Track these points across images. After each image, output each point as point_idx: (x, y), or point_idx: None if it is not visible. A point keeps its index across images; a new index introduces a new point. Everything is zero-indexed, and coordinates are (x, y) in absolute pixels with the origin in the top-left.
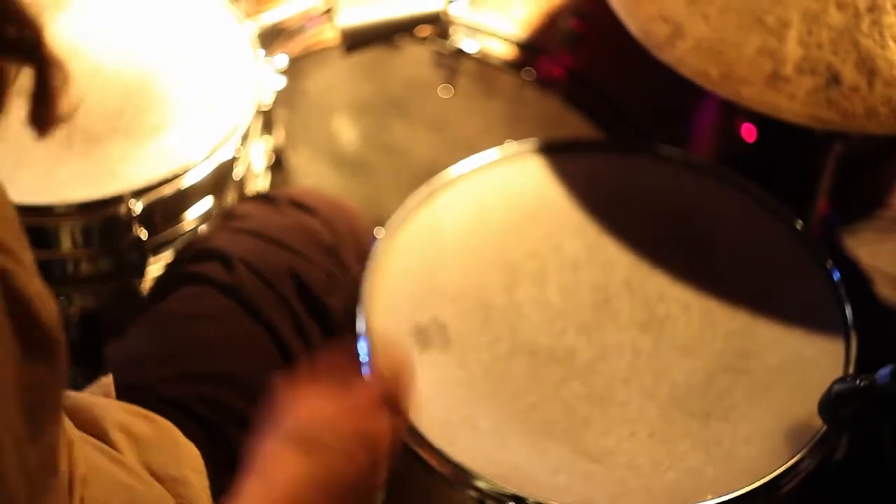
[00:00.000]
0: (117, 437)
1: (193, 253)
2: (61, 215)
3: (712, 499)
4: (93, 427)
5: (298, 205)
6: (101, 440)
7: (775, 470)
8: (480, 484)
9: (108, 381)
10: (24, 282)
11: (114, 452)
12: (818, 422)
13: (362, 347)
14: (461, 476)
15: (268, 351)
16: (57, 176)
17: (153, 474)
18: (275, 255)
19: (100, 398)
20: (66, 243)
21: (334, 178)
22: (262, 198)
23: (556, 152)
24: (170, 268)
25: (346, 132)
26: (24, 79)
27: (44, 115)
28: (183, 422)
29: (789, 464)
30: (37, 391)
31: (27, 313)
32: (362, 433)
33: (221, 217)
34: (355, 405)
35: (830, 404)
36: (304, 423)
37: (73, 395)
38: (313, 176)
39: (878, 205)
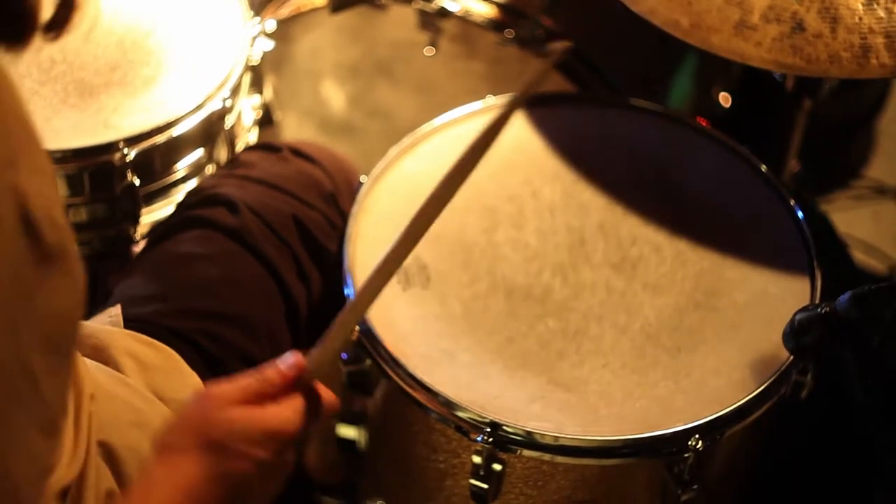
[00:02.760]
0: (124, 361)
1: (200, 198)
2: (57, 161)
3: (681, 425)
4: (100, 353)
5: (300, 154)
6: (108, 365)
7: (742, 398)
8: (460, 413)
9: (116, 311)
10: (34, 193)
11: (120, 375)
12: (784, 355)
13: (348, 286)
14: (441, 406)
15: (270, 292)
16: (53, 126)
17: (158, 396)
18: (278, 202)
19: (108, 327)
20: (62, 190)
21: (322, 140)
22: (265, 147)
23: (534, 105)
24: (177, 212)
25: (333, 95)
26: None
27: (63, 21)
28: (186, 354)
29: (756, 392)
30: (54, 318)
31: (36, 226)
32: (263, 431)
33: (227, 165)
34: (269, 413)
35: (794, 332)
36: (216, 424)
37: (81, 324)
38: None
39: (852, 175)
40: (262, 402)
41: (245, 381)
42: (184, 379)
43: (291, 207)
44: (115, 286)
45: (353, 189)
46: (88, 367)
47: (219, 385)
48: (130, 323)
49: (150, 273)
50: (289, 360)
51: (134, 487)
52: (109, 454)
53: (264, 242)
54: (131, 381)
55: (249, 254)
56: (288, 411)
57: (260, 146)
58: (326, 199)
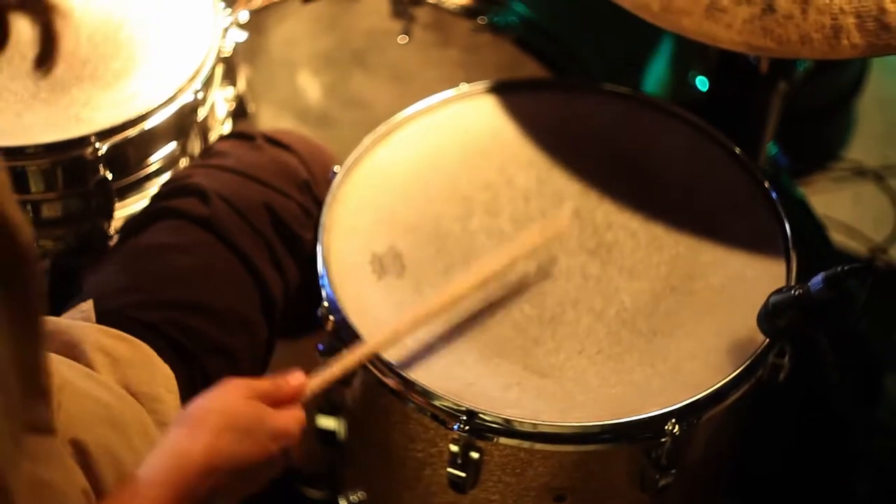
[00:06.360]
0: (95, 357)
1: (171, 189)
2: (29, 156)
3: (657, 409)
4: (71, 349)
5: (275, 142)
6: (79, 362)
7: (719, 382)
8: (436, 401)
9: (87, 306)
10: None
11: (88, 370)
12: (761, 338)
13: (323, 278)
14: (418, 395)
15: (243, 281)
16: (24, 121)
17: (130, 391)
18: (250, 190)
19: (79, 322)
20: (35, 185)
21: (299, 131)
22: (239, 136)
23: (507, 92)
24: (149, 204)
25: (309, 86)
26: None
27: (49, 55)
28: (159, 347)
29: (732, 375)
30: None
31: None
32: (278, 429)
33: (200, 156)
34: (283, 415)
35: (768, 315)
36: (243, 413)
37: (52, 320)
38: None
39: (832, 157)
40: (274, 405)
41: (262, 384)
42: (156, 372)
43: (264, 196)
44: (86, 281)
45: (329, 177)
46: (58, 365)
47: (241, 380)
48: (102, 317)
49: (122, 266)
50: (298, 378)
51: (149, 458)
52: (81, 453)
53: (236, 232)
54: (103, 377)
55: (222, 243)
56: (295, 419)
57: (234, 135)
58: (301, 188)
